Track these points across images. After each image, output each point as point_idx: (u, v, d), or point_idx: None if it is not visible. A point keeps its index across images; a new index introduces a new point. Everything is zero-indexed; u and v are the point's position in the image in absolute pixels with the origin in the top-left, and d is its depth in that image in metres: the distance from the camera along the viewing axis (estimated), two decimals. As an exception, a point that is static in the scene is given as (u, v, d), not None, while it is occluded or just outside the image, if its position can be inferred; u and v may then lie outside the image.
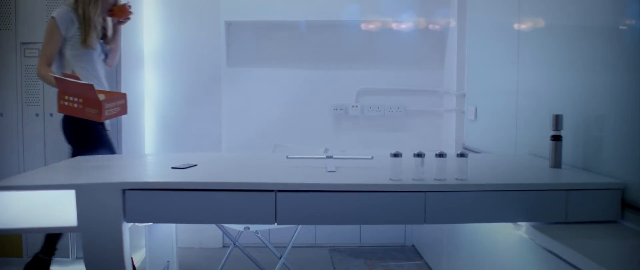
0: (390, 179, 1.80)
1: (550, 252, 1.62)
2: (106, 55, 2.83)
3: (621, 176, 1.80)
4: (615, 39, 1.87)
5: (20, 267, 3.18)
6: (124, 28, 3.21)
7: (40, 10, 3.16)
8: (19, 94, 3.20)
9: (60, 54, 2.68)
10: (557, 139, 2.04)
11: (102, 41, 2.80)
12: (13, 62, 3.19)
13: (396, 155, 1.81)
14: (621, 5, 1.83)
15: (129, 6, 2.82)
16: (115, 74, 3.18)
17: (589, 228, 1.73)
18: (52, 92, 3.20)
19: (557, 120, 2.03)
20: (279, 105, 3.79)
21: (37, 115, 3.21)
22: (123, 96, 2.23)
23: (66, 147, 3.20)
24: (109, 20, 2.83)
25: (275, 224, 1.81)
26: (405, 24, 3.74)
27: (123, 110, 2.22)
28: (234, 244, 2.85)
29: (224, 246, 3.69)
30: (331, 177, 1.89)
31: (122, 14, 2.82)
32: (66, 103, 2.24)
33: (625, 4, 1.81)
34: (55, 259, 3.23)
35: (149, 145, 3.70)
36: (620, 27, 1.83)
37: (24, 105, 3.21)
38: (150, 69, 3.65)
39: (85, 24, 2.65)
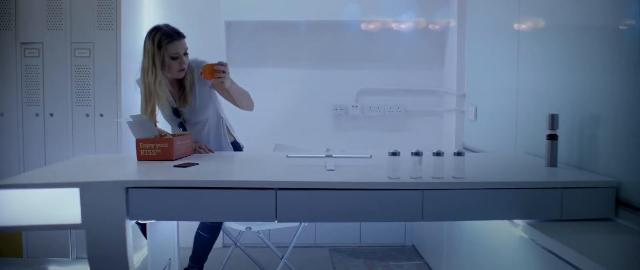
0: (389, 177, 1.83)
1: (547, 250, 1.64)
2: (181, 127, 2.56)
3: (616, 175, 1.82)
4: (612, 39, 1.88)
5: (20, 267, 3.21)
6: (125, 27, 3.23)
7: (40, 10, 3.18)
8: (19, 94, 3.22)
9: None
10: (552, 138, 2.06)
11: (176, 110, 2.52)
12: (13, 62, 3.20)
13: (394, 153, 1.83)
14: (620, 5, 1.84)
15: (221, 64, 2.28)
16: (115, 74, 3.20)
17: (584, 226, 1.75)
18: (51, 91, 3.23)
19: (553, 120, 2.05)
20: (279, 105, 3.80)
21: (37, 115, 3.22)
22: (169, 141, 2.28)
23: (66, 147, 3.23)
24: (195, 82, 2.51)
25: (276, 221, 1.83)
26: (405, 24, 3.76)
27: (165, 154, 2.27)
28: (235, 244, 2.87)
29: (224, 246, 3.71)
30: (330, 175, 1.91)
31: (209, 75, 2.29)
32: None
33: (624, 4, 1.82)
34: (55, 258, 3.26)
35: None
36: (620, 27, 1.85)
37: (24, 105, 3.23)
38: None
39: (145, 93, 2.40)
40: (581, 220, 1.80)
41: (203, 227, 2.67)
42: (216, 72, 2.27)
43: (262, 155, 2.59)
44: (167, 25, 2.43)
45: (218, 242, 3.71)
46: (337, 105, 3.81)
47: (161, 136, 2.40)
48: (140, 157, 2.27)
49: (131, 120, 2.37)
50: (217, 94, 2.59)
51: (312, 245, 3.78)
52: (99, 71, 3.20)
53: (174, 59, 2.39)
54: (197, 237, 2.67)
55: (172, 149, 2.27)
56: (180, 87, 2.50)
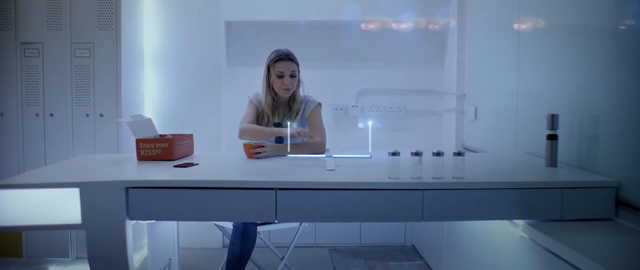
0: (389, 177, 1.83)
1: (548, 250, 1.64)
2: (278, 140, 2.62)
3: (616, 175, 1.82)
4: (612, 39, 1.88)
5: (20, 267, 3.21)
6: (125, 27, 3.24)
7: (40, 10, 3.18)
8: (19, 94, 3.21)
9: None
10: (552, 138, 2.06)
11: (278, 124, 2.67)
12: (13, 62, 3.20)
13: (394, 153, 1.83)
14: (620, 5, 1.84)
15: (257, 146, 2.43)
16: (115, 74, 3.20)
17: (584, 226, 1.75)
18: (51, 91, 3.23)
19: (553, 120, 2.05)
20: (279, 105, 3.80)
21: (37, 115, 3.22)
22: (169, 141, 2.29)
23: (66, 147, 3.23)
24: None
25: (276, 221, 1.83)
26: (405, 24, 3.76)
27: (165, 154, 2.28)
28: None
29: (224, 246, 3.71)
30: (330, 175, 1.91)
31: (249, 155, 2.44)
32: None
33: (624, 4, 1.82)
34: (55, 258, 3.26)
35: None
36: (620, 27, 1.84)
37: (24, 105, 3.23)
38: (151, 68, 3.67)
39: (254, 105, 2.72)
40: (581, 220, 1.80)
41: (234, 233, 2.57)
42: (252, 154, 2.41)
43: (262, 155, 2.58)
44: (285, 49, 2.68)
45: (217, 242, 3.71)
46: (337, 105, 3.81)
47: (161, 136, 2.40)
48: (140, 157, 2.28)
49: (131, 120, 2.37)
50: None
51: (312, 245, 3.78)
52: (99, 71, 3.20)
53: (279, 77, 2.63)
54: (230, 246, 2.59)
55: (172, 149, 2.27)
56: (289, 109, 2.72)
